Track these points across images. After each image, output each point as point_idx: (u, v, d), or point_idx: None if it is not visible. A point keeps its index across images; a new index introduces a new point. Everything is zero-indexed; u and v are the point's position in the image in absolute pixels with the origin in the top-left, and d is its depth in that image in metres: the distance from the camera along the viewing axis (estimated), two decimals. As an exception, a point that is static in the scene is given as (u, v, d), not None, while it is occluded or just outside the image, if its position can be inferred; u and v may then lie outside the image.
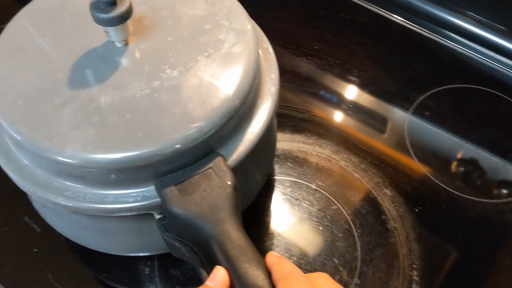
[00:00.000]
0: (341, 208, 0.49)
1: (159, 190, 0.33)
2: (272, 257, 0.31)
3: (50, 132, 0.32)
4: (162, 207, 0.34)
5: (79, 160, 0.32)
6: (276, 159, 0.52)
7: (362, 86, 0.60)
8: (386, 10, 0.68)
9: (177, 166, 0.34)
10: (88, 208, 0.34)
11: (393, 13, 0.67)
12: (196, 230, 0.32)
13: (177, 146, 0.32)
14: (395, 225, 0.48)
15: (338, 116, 0.57)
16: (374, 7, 0.68)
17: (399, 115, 0.57)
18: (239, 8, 0.40)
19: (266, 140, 0.39)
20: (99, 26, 0.35)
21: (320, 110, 0.57)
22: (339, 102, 0.58)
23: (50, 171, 0.35)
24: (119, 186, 0.34)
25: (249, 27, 0.38)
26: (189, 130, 0.33)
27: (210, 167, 0.34)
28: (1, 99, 0.34)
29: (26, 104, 0.34)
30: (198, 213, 0.32)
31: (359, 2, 0.69)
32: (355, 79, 0.60)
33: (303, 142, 0.54)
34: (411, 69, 0.61)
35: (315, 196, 0.50)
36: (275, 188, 0.51)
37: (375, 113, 0.57)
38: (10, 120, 0.33)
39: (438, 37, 0.65)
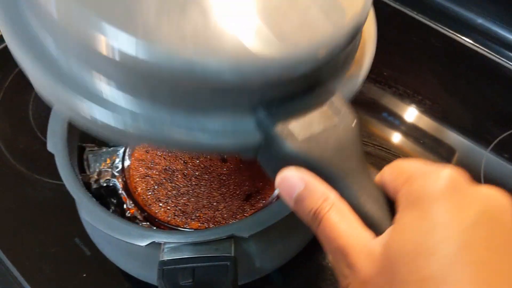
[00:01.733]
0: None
1: (266, 123, 0.26)
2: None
3: (136, 24, 0.23)
4: (266, 145, 0.26)
5: (172, 62, 0.23)
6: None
7: (434, 119, 0.55)
8: (463, 35, 0.63)
9: (287, 94, 0.26)
10: (169, 140, 0.25)
11: (470, 39, 0.62)
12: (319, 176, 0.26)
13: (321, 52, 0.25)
14: None
15: (405, 151, 0.53)
16: (450, 32, 0.63)
17: (474, 156, 0.52)
18: None
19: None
20: None
21: (386, 143, 0.53)
22: (407, 135, 0.54)
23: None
24: (212, 111, 0.26)
25: None
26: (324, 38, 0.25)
27: (327, 104, 0.27)
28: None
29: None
30: (323, 157, 0.26)
31: (434, 26, 0.64)
32: (426, 111, 0.56)
33: (367, 179, 0.50)
34: (489, 103, 0.56)
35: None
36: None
37: (446, 152, 0.52)
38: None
39: (520, 69, 0.59)
